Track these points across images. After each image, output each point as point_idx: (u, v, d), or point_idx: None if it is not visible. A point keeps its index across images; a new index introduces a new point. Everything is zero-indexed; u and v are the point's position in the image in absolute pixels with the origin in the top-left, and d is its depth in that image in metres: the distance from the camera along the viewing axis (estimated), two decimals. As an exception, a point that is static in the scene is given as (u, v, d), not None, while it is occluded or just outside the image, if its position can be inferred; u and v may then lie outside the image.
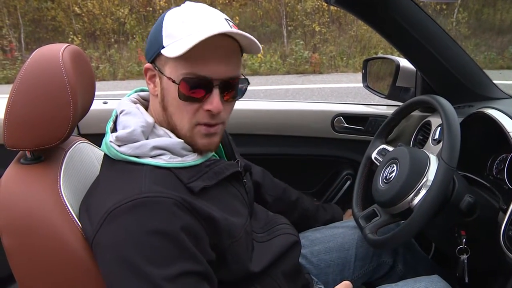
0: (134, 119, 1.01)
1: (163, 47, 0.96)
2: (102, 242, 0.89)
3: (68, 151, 1.14)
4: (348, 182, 1.96)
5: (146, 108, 1.07)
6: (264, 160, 1.80)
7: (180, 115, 0.99)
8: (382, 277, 1.43)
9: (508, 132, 1.27)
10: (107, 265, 0.88)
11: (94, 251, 0.92)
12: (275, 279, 1.11)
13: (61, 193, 1.00)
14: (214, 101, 0.96)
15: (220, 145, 1.19)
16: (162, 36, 0.96)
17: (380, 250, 1.43)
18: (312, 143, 1.94)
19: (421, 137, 1.76)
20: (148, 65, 1.03)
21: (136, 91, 1.14)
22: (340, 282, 1.39)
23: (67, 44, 1.08)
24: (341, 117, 1.91)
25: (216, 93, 0.96)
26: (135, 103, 1.08)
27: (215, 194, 1.01)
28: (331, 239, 1.45)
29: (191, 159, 1.01)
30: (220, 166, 1.06)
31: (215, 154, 1.15)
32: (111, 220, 0.87)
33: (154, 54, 0.99)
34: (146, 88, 1.10)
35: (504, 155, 1.44)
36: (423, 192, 1.16)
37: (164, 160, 0.97)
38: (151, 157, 0.97)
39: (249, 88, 1.06)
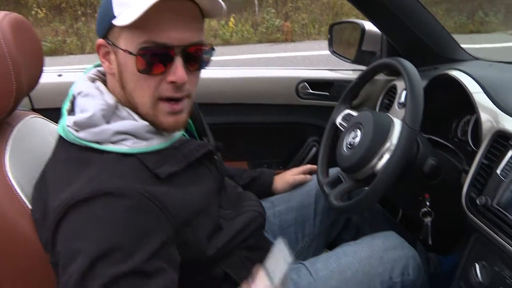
0: (93, 101, 0.93)
1: (115, 17, 0.88)
2: (57, 233, 0.83)
3: (15, 126, 1.07)
4: (314, 149, 1.93)
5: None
6: (228, 129, 1.77)
7: (140, 91, 0.91)
8: (341, 231, 1.44)
9: (471, 93, 1.25)
10: (62, 256, 0.82)
11: (47, 241, 0.86)
12: (239, 256, 1.08)
13: (6, 171, 0.95)
14: (178, 70, 0.89)
15: (190, 121, 1.13)
16: (112, 5, 0.89)
17: (347, 215, 1.42)
18: (277, 111, 1.90)
19: (387, 102, 1.74)
20: (100, 41, 0.94)
21: (95, 66, 1.06)
22: (302, 239, 1.40)
23: (7, 12, 1.01)
24: (306, 83, 1.87)
25: (179, 61, 0.89)
26: (95, 80, 1.00)
27: (184, 179, 0.96)
28: (291, 198, 1.45)
29: (157, 142, 0.95)
30: (190, 148, 1.00)
31: (185, 133, 1.10)
32: (67, 213, 0.81)
33: (106, 27, 0.91)
34: None
35: (468, 117, 1.43)
36: (386, 156, 1.14)
37: (127, 146, 0.91)
38: (112, 142, 0.90)
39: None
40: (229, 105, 1.84)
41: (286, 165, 1.97)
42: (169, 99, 0.93)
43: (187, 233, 0.93)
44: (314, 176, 1.48)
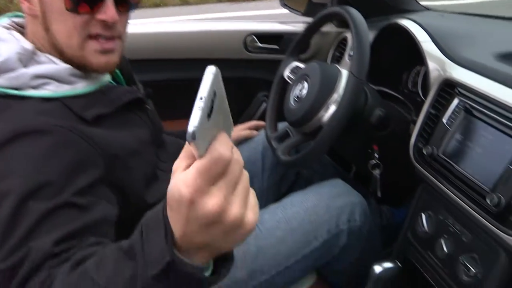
0: (7, 45, 0.85)
1: None
2: None
3: None
4: (264, 104, 1.88)
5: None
6: (172, 87, 1.69)
7: (67, 31, 0.85)
8: (291, 186, 1.42)
9: (419, 42, 1.22)
10: None
11: None
12: None
13: None
14: (109, 10, 0.85)
15: (118, 70, 1.07)
16: None
17: (295, 169, 1.39)
18: (224, 65, 1.79)
19: (338, 54, 1.70)
20: None
21: (8, 17, 0.97)
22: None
23: None
24: (254, 36, 1.80)
25: (110, 1, 0.85)
26: (9, 29, 0.92)
27: (113, 123, 0.90)
28: None
29: (82, 86, 0.89)
30: (118, 93, 0.95)
31: (112, 81, 1.03)
32: None
33: None
34: (21, 14, 0.93)
35: (418, 67, 1.41)
36: (333, 107, 1.10)
37: (50, 90, 0.84)
38: (33, 87, 0.84)
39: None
40: (173, 61, 1.75)
41: (235, 122, 1.92)
42: (99, 36, 0.88)
43: (122, 174, 0.88)
44: (261, 132, 1.44)
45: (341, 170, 1.62)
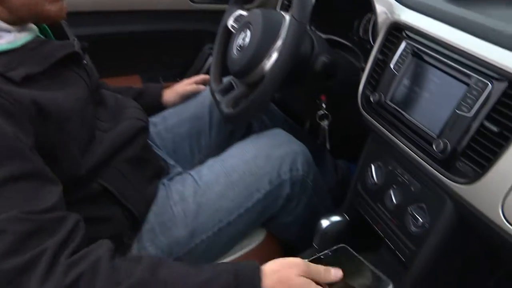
0: None
1: None
2: None
3: None
4: (211, 57, 1.80)
5: None
6: (113, 41, 1.58)
7: None
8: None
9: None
10: None
11: None
12: (118, 168, 0.97)
13: None
14: None
15: (45, 25, 0.96)
16: None
17: (238, 123, 1.33)
18: (167, 17, 1.71)
19: (287, 3, 1.62)
20: None
21: None
22: (198, 153, 1.31)
23: None
24: None
25: None
26: None
27: (47, 83, 0.81)
28: (184, 111, 1.35)
29: (6, 41, 0.79)
30: (50, 48, 0.85)
31: (40, 34, 0.93)
32: None
33: None
34: None
35: (369, 14, 1.34)
36: (275, 55, 1.03)
37: None
38: None
39: None
40: (113, 13, 1.62)
41: (183, 77, 1.83)
42: None
43: (56, 139, 0.81)
44: (208, 86, 1.36)
45: (294, 124, 1.56)
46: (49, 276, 0.65)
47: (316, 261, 0.78)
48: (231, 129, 1.36)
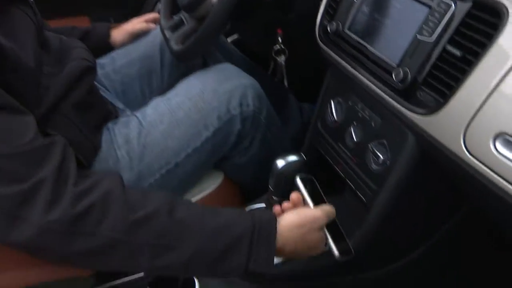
0: None
1: None
2: None
3: None
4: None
5: None
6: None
7: None
8: None
9: None
10: None
11: None
12: (65, 114, 0.89)
13: None
14: None
15: None
16: None
17: (188, 60, 1.24)
18: None
19: None
20: None
21: None
22: (149, 95, 1.24)
23: None
24: None
25: None
26: None
27: None
28: (133, 51, 1.25)
29: None
30: None
31: None
32: None
33: None
34: None
35: None
36: None
37: None
38: None
39: None
40: None
41: (133, 15, 1.71)
42: None
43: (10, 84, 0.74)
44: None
45: (256, 66, 1.48)
46: (54, 205, 0.66)
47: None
48: (184, 70, 1.27)
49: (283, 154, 0.89)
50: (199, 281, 1.00)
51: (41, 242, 0.67)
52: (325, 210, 0.79)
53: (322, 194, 0.84)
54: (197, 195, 1.09)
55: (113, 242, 0.69)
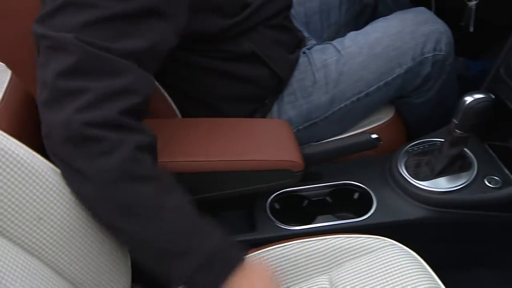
0: None
1: None
2: None
3: None
4: None
5: None
6: None
7: None
8: (367, 23, 1.29)
9: None
10: None
11: None
12: (263, 34, 1.01)
13: None
14: None
15: None
16: None
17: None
18: None
19: None
20: None
21: None
22: (327, 28, 1.32)
23: None
24: None
25: None
26: None
27: None
28: None
29: None
30: None
31: None
32: None
33: None
34: None
35: None
36: None
37: None
38: None
39: None
40: None
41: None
42: None
43: None
44: None
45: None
46: (84, 113, 0.64)
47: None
48: (360, 8, 1.34)
49: (471, 91, 0.93)
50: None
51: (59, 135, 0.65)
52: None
53: None
54: (366, 126, 1.16)
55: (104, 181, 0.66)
